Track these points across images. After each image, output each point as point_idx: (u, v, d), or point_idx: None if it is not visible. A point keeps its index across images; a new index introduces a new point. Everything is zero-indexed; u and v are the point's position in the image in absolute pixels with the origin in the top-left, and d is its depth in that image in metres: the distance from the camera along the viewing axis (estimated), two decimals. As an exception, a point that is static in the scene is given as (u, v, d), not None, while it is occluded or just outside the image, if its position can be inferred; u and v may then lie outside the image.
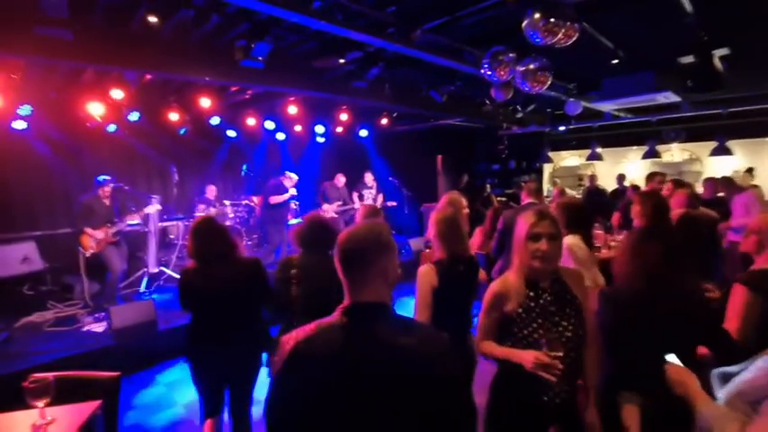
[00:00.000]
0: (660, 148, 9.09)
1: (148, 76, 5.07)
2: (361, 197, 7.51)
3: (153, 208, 5.50)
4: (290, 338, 1.12)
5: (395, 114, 7.55)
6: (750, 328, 1.79)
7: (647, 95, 5.78)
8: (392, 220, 8.82)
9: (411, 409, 1.02)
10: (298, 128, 8.20)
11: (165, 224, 6.94)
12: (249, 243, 7.93)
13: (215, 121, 7.06)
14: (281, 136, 8.50)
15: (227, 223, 7.59)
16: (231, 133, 7.95)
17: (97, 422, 1.76)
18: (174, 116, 6.50)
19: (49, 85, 5.15)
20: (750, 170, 7.76)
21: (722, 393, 1.29)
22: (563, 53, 3.82)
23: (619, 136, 9.76)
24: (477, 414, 1.44)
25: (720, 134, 8.14)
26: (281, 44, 4.13)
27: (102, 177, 5.03)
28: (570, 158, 11.20)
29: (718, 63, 4.48)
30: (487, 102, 6.71)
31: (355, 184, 7.64)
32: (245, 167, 7.61)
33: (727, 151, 8.07)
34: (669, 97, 5.95)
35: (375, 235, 1.15)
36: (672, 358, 1.43)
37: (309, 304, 2.18)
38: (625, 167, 9.61)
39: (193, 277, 2.27)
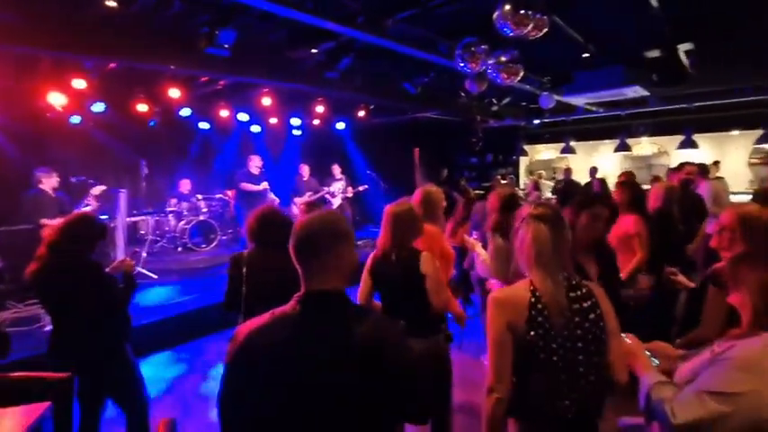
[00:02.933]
0: (630, 141, 9.34)
1: (112, 65, 4.86)
2: (332, 193, 7.45)
3: (98, 189, 5.25)
4: (243, 329, 1.11)
5: (372, 107, 7.50)
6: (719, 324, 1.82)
7: (616, 89, 5.90)
8: (369, 211, 8.80)
9: (365, 398, 1.02)
10: (273, 120, 8.05)
11: (135, 219, 6.72)
12: (225, 238, 7.78)
13: (185, 112, 6.85)
14: (255, 128, 8.33)
15: (201, 218, 7.42)
16: (204, 125, 7.75)
17: (45, 425, 1.68)
18: (142, 107, 6.28)
19: (2, 72, 4.88)
20: (716, 163, 8.05)
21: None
22: (536, 46, 3.85)
23: (591, 130, 9.98)
24: (433, 402, 1.42)
25: (687, 128, 8.41)
26: (249, 33, 4.01)
27: (40, 168, 4.75)
28: (545, 152, 11.40)
29: (683, 58, 4.60)
30: (462, 94, 6.72)
31: (325, 179, 7.59)
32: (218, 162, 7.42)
33: (693, 144, 8.36)
34: (638, 91, 6.10)
35: (330, 223, 1.15)
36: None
37: (256, 302, 2.10)
38: (597, 160, 9.83)
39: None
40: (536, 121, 9.24)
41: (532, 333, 1.34)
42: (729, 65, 5.90)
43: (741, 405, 1.14)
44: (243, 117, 7.52)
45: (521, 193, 7.81)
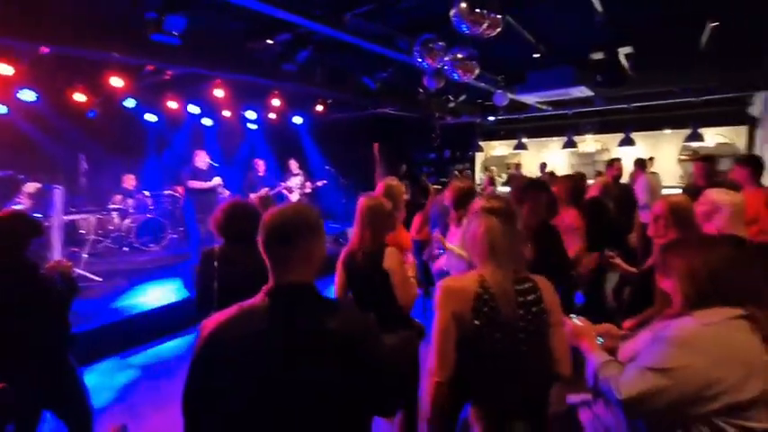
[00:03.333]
0: (577, 138, 9.89)
1: (45, 50, 4.45)
2: (290, 188, 7.31)
3: (31, 186, 4.85)
4: (209, 323, 1.07)
5: (330, 101, 7.41)
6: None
7: (564, 89, 6.22)
8: (328, 207, 8.72)
9: (336, 391, 1.01)
10: (226, 113, 7.74)
11: (73, 217, 6.23)
12: (176, 237, 7.41)
13: (130, 103, 6.42)
14: (207, 121, 7.97)
15: (149, 216, 7.01)
16: (150, 117, 7.31)
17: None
18: (79, 97, 5.81)
19: None
20: (651, 159, 8.72)
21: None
22: (491, 45, 3.97)
23: (541, 127, 10.46)
24: (402, 396, 1.44)
25: (626, 127, 9.04)
26: (201, 21, 3.83)
27: None
28: (500, 148, 11.82)
29: (623, 61, 4.93)
30: (421, 90, 6.81)
31: (281, 174, 7.44)
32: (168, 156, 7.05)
33: (631, 142, 8.99)
34: (584, 91, 6.46)
35: (302, 215, 1.14)
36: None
37: (230, 298, 2.06)
38: (547, 156, 10.33)
39: None
40: (491, 119, 9.54)
41: (477, 322, 1.38)
42: (663, 68, 6.40)
43: (678, 378, 1.25)
44: (194, 109, 7.17)
45: (477, 189, 8.06)
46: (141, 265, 6.08)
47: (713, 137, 8.85)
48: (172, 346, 4.12)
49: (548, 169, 8.76)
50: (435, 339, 1.43)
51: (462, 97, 7.78)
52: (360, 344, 1.05)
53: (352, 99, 7.02)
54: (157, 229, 7.05)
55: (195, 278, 2.21)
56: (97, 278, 5.20)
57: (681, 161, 9.34)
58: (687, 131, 8.50)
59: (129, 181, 7.25)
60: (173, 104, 6.75)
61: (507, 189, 8.45)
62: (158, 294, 4.79)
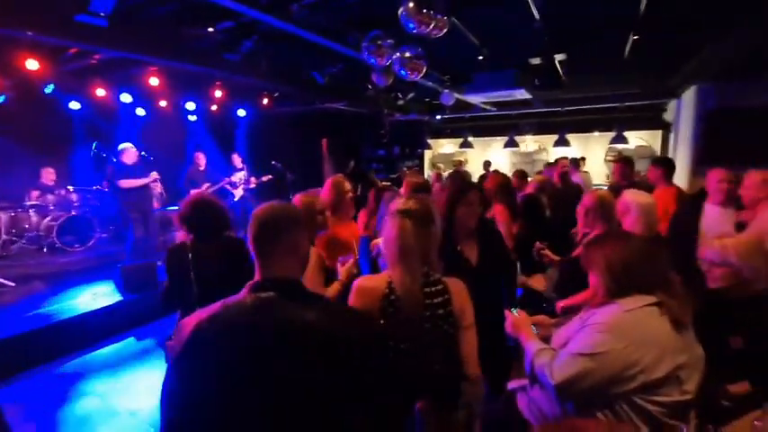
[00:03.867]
0: (518, 138, 10.42)
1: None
2: (233, 184, 7.03)
3: None
4: (191, 320, 1.04)
5: (276, 94, 7.19)
6: None
7: (507, 91, 6.52)
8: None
9: (320, 388, 0.99)
10: (163, 103, 7.24)
11: (-20, 215, 5.53)
12: (105, 236, 6.83)
13: (48, 88, 5.80)
14: (141, 111, 7.41)
15: (73, 213, 6.40)
16: (74, 105, 6.65)
17: None
18: (-14, 79, 5.15)
19: None
20: (582, 159, 9.41)
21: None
22: (439, 45, 4.06)
23: (486, 127, 10.90)
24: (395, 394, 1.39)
25: (561, 128, 9.67)
26: (133, 3, 3.54)
27: None
28: (447, 146, 12.15)
29: (559, 66, 5.27)
30: (370, 87, 6.81)
31: (225, 169, 7.12)
32: (94, 146, 6.46)
33: (566, 143, 9.63)
34: (524, 94, 6.81)
35: (289, 210, 1.18)
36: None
37: (208, 293, 1.98)
38: (490, 155, 10.79)
39: None
40: (438, 117, 9.78)
41: (382, 321, 1.40)
42: (592, 75, 6.92)
43: (603, 361, 1.37)
44: (126, 98, 6.63)
45: (425, 185, 8.23)
46: (63, 268, 5.54)
47: (634, 139, 9.72)
48: (102, 354, 3.81)
49: (492, 167, 9.16)
50: None
51: (411, 95, 7.89)
52: (345, 340, 1.03)
53: (299, 93, 6.86)
54: (83, 228, 6.45)
55: (167, 272, 2.15)
56: (9, 283, 4.67)
57: (607, 161, 10.16)
58: (613, 134, 9.26)
59: (49, 175, 6.56)
60: (101, 92, 6.19)
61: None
62: (85, 299, 4.40)
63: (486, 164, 9.48)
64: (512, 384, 1.86)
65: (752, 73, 6.23)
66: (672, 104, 8.78)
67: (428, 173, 11.29)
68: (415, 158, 11.32)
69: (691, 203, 3.31)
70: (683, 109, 8.00)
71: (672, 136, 8.90)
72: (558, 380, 1.41)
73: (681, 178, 6.89)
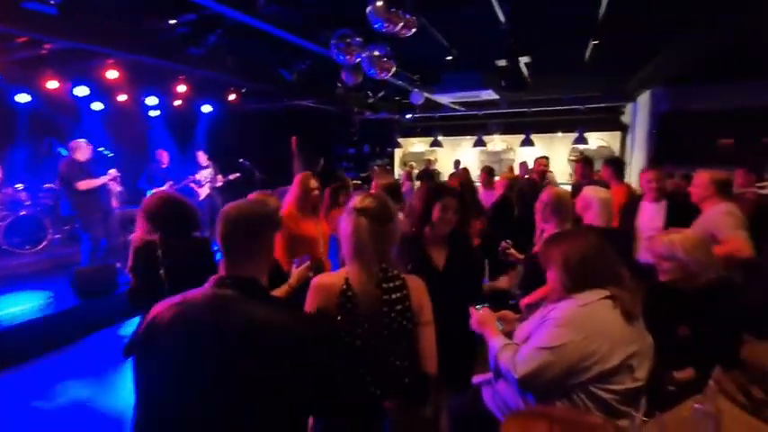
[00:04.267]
0: (486, 138, 10.66)
1: None
2: (198, 182, 6.81)
3: None
4: (154, 310, 1.07)
5: (243, 90, 7.01)
6: None
7: (475, 91, 6.66)
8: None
9: (270, 384, 1.01)
10: (122, 97, 6.90)
11: None
12: (59, 237, 6.44)
13: (-7, 80, 5.41)
14: (98, 106, 7.03)
15: (23, 213, 6.00)
16: (23, 98, 6.23)
17: None
18: None
19: None
20: (546, 158, 9.73)
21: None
22: (409, 45, 4.09)
23: (455, 126, 11.08)
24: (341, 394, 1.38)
25: (527, 128, 9.97)
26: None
27: None
28: (417, 145, 12.26)
29: (524, 68, 5.42)
30: (339, 85, 6.77)
31: (189, 165, 6.89)
32: (47, 141, 6.07)
33: (531, 143, 9.94)
34: (491, 94, 6.97)
35: (265, 210, 1.19)
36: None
37: (179, 290, 1.94)
38: (460, 154, 10.99)
39: None
40: (408, 116, 9.84)
41: (339, 318, 1.40)
42: (556, 78, 7.16)
43: (562, 354, 1.43)
44: (81, 91, 6.26)
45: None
46: (12, 271, 5.19)
47: (595, 140, 10.16)
48: (55, 361, 3.60)
49: (461, 166, 9.32)
50: None
51: (381, 94, 7.90)
52: (295, 342, 1.04)
53: (267, 89, 6.73)
54: (34, 229, 6.06)
55: (135, 271, 2.12)
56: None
57: (570, 161, 10.57)
58: (575, 135, 9.64)
59: (-6, 172, 6.12)
60: (53, 84, 5.82)
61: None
62: (34, 304, 4.15)
63: (456, 163, 9.65)
64: (477, 379, 1.91)
65: (699, 79, 6.65)
66: (629, 107, 9.23)
67: (398, 171, 11.36)
68: (386, 157, 11.36)
69: (632, 201, 3.54)
70: (639, 112, 8.43)
71: (629, 137, 9.36)
72: (521, 373, 1.46)
73: (637, 177, 7.26)
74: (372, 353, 1.41)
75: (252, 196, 2.26)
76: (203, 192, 6.87)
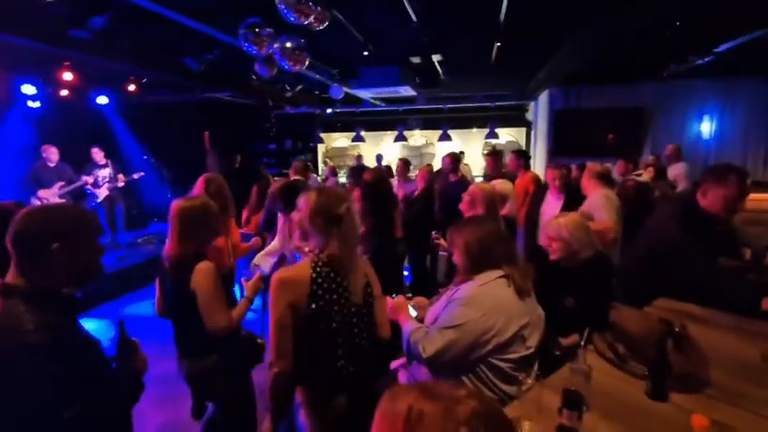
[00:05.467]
0: (407, 133, 10.96)
1: None
2: (95, 182, 6.12)
3: None
4: None
5: (144, 80, 6.40)
6: None
7: (392, 87, 6.79)
8: (151, 203, 7.61)
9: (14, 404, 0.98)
10: (-11, 85, 5.90)
11: None
12: None
13: None
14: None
15: None
16: None
17: None
18: None
19: None
20: (462, 153, 10.30)
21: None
22: (326, 38, 4.02)
23: (377, 121, 11.23)
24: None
25: (444, 124, 10.44)
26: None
27: None
28: (340, 140, 12.21)
29: (438, 66, 5.66)
30: (254, 77, 6.48)
31: (83, 163, 6.16)
32: None
33: (448, 138, 10.43)
34: (408, 91, 7.17)
35: (54, 219, 1.10)
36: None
37: None
38: (382, 149, 11.17)
39: None
40: (329, 111, 9.75)
41: (314, 306, 1.44)
42: (467, 76, 7.59)
43: (465, 331, 1.54)
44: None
45: (319, 179, 8.18)
46: None
47: (505, 135, 10.97)
48: None
49: (384, 161, 9.49)
50: (273, 333, 1.44)
51: (299, 87, 7.72)
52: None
53: (171, 80, 6.21)
54: None
55: None
56: None
57: (483, 155, 11.31)
58: (487, 130, 10.32)
59: None
60: None
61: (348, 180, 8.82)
62: None
63: (379, 157, 9.79)
64: (395, 364, 1.98)
65: (587, 81, 7.51)
66: (532, 105, 10.12)
67: (321, 167, 11.24)
68: (308, 152, 11.16)
69: (539, 191, 3.99)
70: (540, 109, 9.28)
71: (533, 132, 10.27)
72: (429, 353, 1.55)
73: (540, 168, 8.01)
74: (346, 332, 1.49)
75: (184, 199, 2.02)
76: (101, 193, 6.18)
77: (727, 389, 1.39)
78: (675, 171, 5.42)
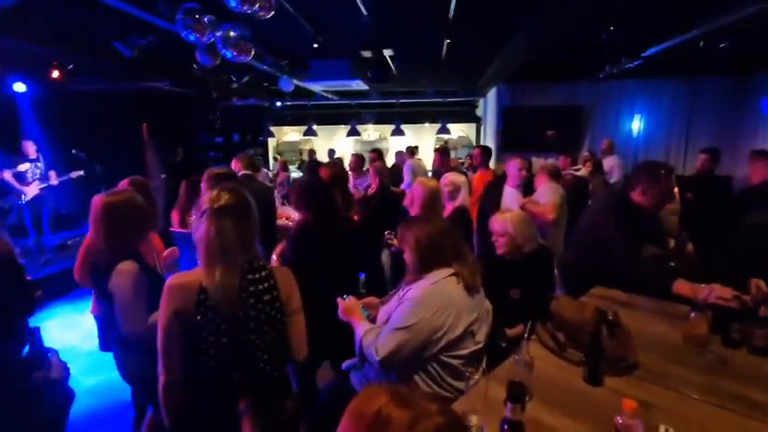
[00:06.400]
0: (360, 127, 10.89)
1: None
2: (20, 177, 5.54)
3: None
4: None
5: (70, 67, 5.81)
6: None
7: (343, 81, 6.69)
8: (83, 202, 6.99)
9: None
10: None
11: None
12: None
13: None
14: None
15: None
16: None
17: None
18: None
19: None
20: (416, 147, 10.41)
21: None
22: (275, 28, 3.83)
23: (329, 115, 11.06)
24: None
25: (396, 119, 10.50)
26: None
27: None
28: (291, 134, 11.91)
29: (389, 61, 5.64)
30: (195, 66, 6.10)
31: (7, 159, 5.56)
32: None
33: (401, 132, 10.50)
34: (360, 85, 7.10)
35: None
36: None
37: None
38: (335, 143, 11.03)
39: None
40: (279, 104, 9.45)
41: (200, 317, 1.33)
42: (419, 72, 7.65)
43: (417, 330, 1.54)
44: None
45: (270, 174, 7.93)
46: None
47: (456, 131, 11.23)
48: None
49: (336, 155, 9.37)
50: (160, 340, 1.34)
51: (246, 79, 7.40)
52: None
53: (104, 67, 5.71)
54: None
55: None
56: None
57: (436, 150, 11.52)
58: (439, 125, 10.51)
59: None
60: None
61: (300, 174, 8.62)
62: None
63: (331, 152, 9.66)
64: (346, 364, 1.96)
65: (530, 79, 7.84)
66: (482, 102, 10.42)
67: (272, 162, 10.91)
68: (258, 146, 10.77)
69: (494, 185, 4.06)
70: (488, 106, 9.58)
71: (483, 128, 10.59)
72: (382, 355, 1.54)
73: (492, 164, 8.28)
74: (239, 348, 1.37)
75: (106, 194, 1.83)
76: (30, 191, 5.60)
77: (654, 369, 1.50)
78: (610, 163, 6.01)
